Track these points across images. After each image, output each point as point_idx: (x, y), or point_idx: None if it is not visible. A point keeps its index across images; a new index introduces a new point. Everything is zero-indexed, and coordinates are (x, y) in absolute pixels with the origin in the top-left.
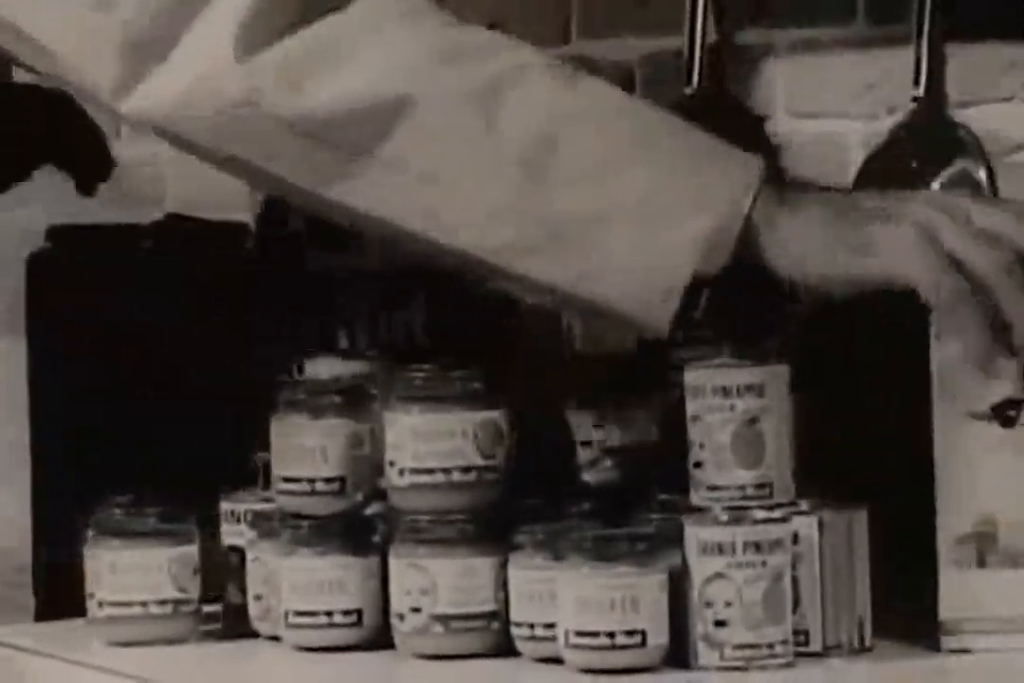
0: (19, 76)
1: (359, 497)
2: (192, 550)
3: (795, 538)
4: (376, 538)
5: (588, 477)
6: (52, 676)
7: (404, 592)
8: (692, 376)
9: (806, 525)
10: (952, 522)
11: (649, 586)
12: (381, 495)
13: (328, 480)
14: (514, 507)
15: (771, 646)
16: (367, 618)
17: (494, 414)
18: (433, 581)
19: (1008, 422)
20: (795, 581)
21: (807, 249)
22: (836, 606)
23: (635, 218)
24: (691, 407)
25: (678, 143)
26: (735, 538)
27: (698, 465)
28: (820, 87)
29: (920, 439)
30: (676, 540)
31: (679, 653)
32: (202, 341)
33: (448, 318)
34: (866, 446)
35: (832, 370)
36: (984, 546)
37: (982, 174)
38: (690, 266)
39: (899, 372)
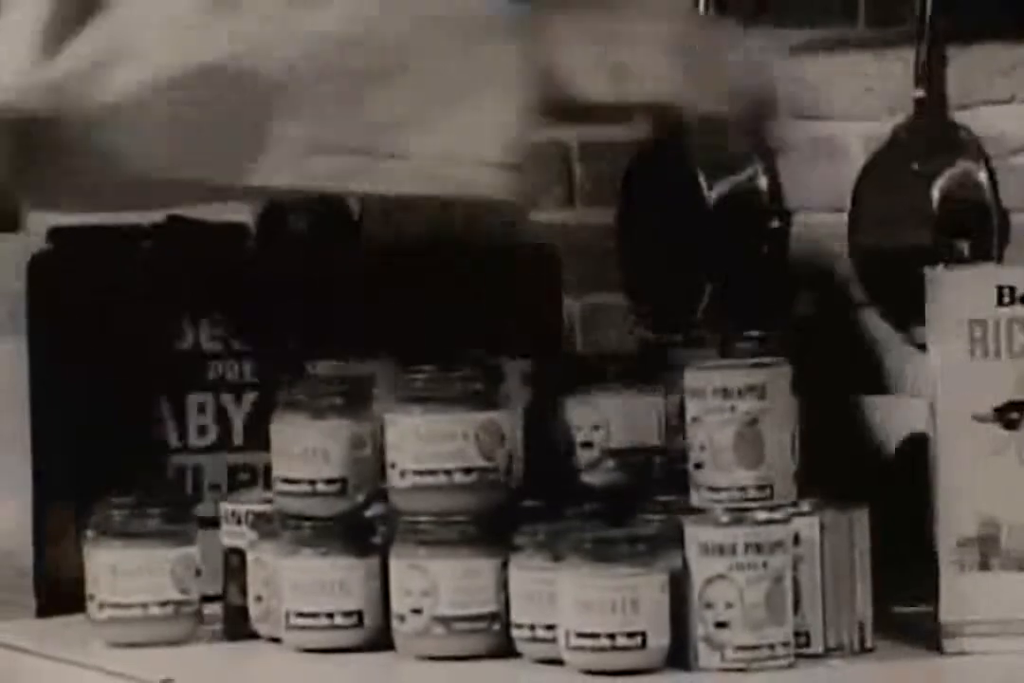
0: None
1: (360, 498)
2: (193, 551)
3: (796, 539)
4: (377, 539)
5: (589, 478)
6: (53, 677)
7: (405, 593)
8: (692, 377)
9: (807, 526)
10: (954, 525)
11: (650, 587)
12: (382, 496)
13: (329, 481)
14: (515, 508)
15: (772, 647)
16: (368, 619)
17: (495, 415)
18: (434, 582)
19: (1011, 425)
20: (796, 582)
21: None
22: (837, 607)
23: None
24: (691, 408)
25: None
26: (736, 539)
27: (699, 466)
28: (821, 89)
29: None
30: (677, 541)
31: (680, 654)
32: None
33: None
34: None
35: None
36: (987, 549)
37: (983, 176)
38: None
39: None
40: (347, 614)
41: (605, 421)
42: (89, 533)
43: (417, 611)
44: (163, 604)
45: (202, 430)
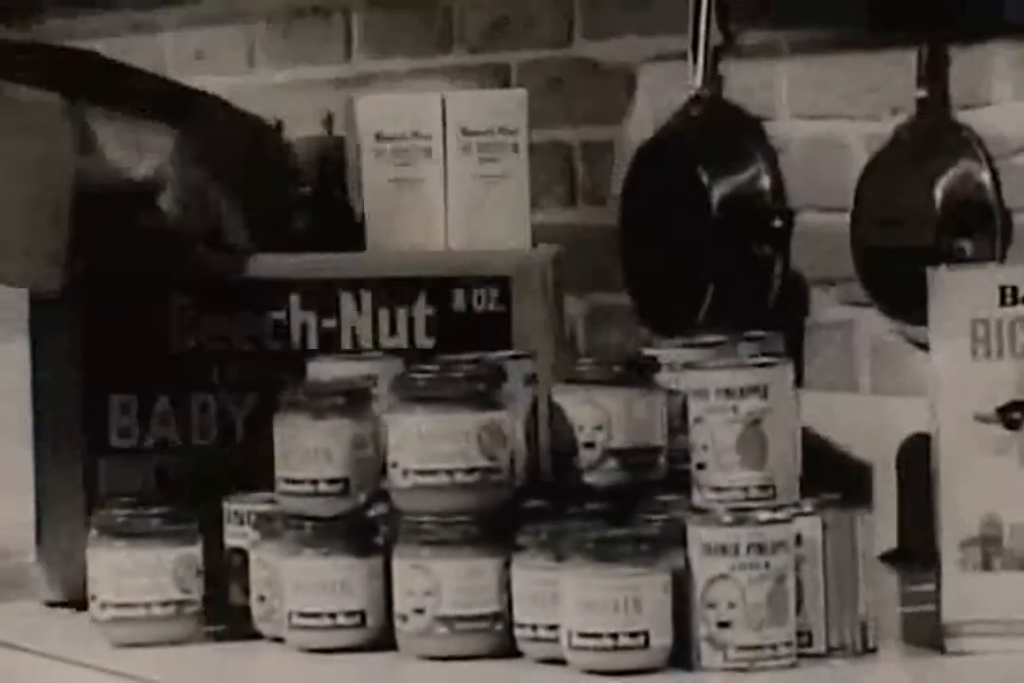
0: None
1: (362, 498)
2: (195, 551)
3: (798, 539)
4: (379, 539)
5: (591, 478)
6: (55, 677)
7: (407, 593)
8: (695, 378)
9: (809, 526)
10: (957, 525)
11: (652, 587)
12: (384, 496)
13: (331, 481)
14: (517, 508)
15: (774, 647)
16: (370, 619)
17: (498, 415)
18: (436, 582)
19: (1013, 424)
20: (798, 582)
21: None
22: (839, 607)
23: None
24: (694, 408)
25: None
26: (738, 539)
27: (701, 466)
28: (823, 89)
29: None
30: (679, 541)
31: (682, 654)
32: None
33: None
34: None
35: None
36: (989, 549)
37: (985, 176)
38: None
39: None
40: (349, 614)
41: (607, 421)
42: (91, 533)
43: (419, 611)
44: (165, 604)
45: (204, 430)
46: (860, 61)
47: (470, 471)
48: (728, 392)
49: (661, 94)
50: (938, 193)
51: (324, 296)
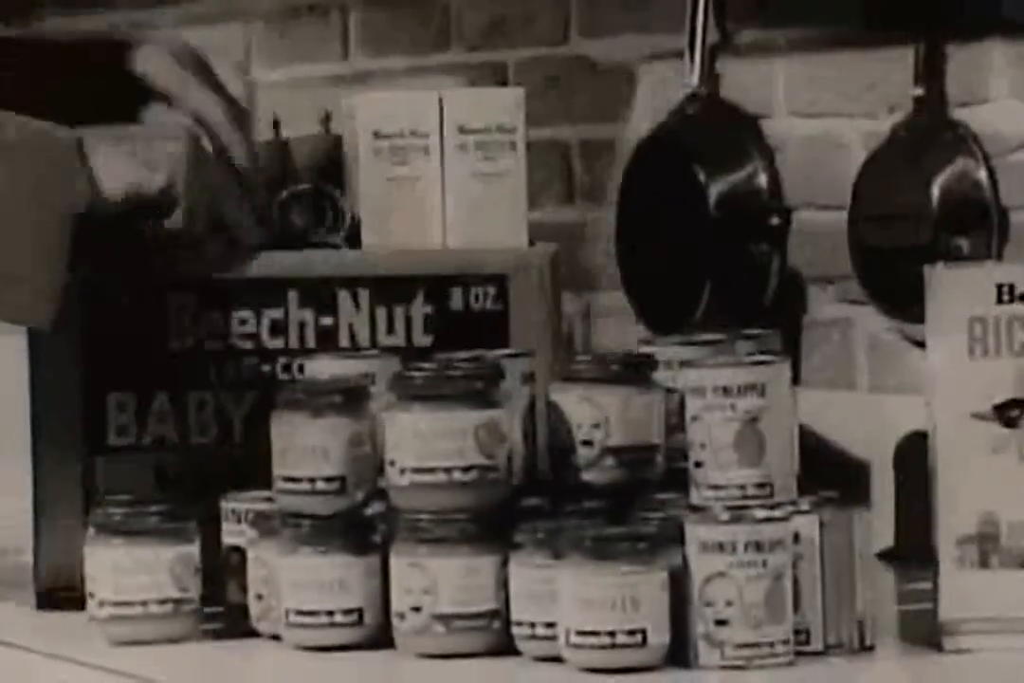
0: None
1: (360, 496)
2: (193, 549)
3: (796, 537)
4: (377, 537)
5: (589, 476)
6: (53, 675)
7: (405, 591)
8: (692, 375)
9: (807, 524)
10: (954, 522)
11: (650, 585)
12: (382, 494)
13: (329, 479)
14: (515, 506)
15: (772, 645)
16: (368, 617)
17: (495, 413)
18: (434, 580)
19: (1010, 423)
20: (796, 580)
21: None
22: (837, 605)
23: None
24: (692, 406)
25: None
26: (736, 537)
27: (699, 464)
28: (820, 87)
29: None
30: (677, 539)
31: (680, 652)
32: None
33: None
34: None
35: None
36: (986, 547)
37: (982, 174)
38: None
39: None
40: (347, 612)
41: (605, 419)
42: (89, 531)
43: (417, 609)
44: (163, 602)
45: (202, 428)
46: (857, 59)
47: (468, 469)
48: (726, 390)
49: (658, 92)
50: (935, 191)
51: (322, 294)
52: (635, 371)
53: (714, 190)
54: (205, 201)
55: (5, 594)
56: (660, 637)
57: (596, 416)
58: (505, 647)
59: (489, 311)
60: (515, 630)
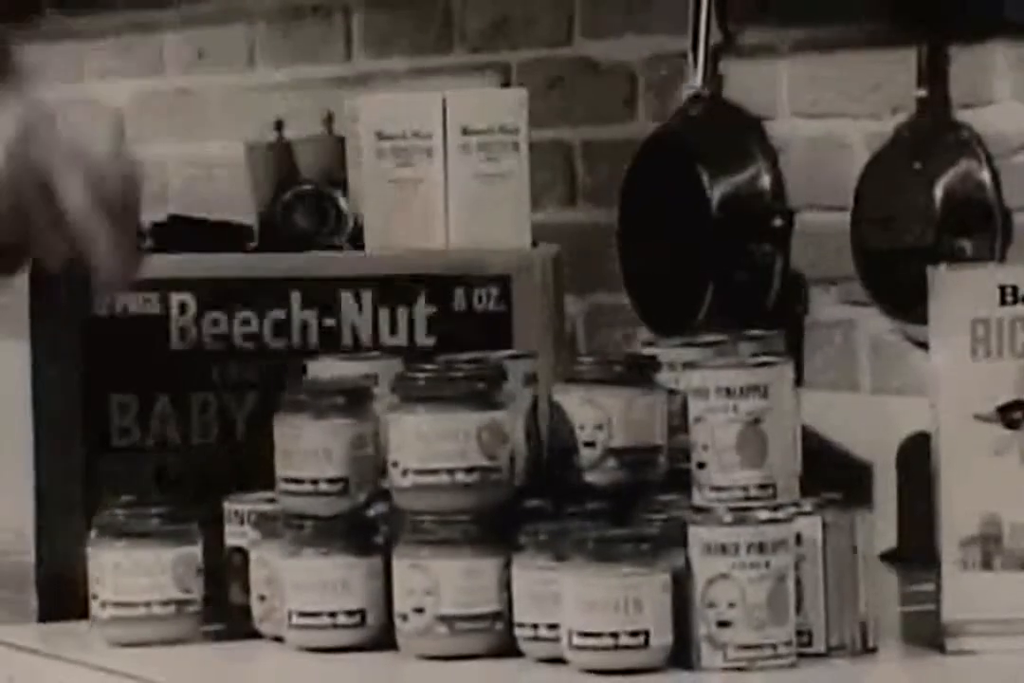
0: None
1: (362, 498)
2: (195, 551)
3: (798, 539)
4: (379, 539)
5: (591, 478)
6: (55, 676)
7: (407, 593)
8: (695, 377)
9: (809, 526)
10: (957, 524)
11: (652, 587)
12: (384, 495)
13: (331, 481)
14: (518, 508)
15: (774, 647)
16: (370, 619)
17: (498, 415)
18: (436, 582)
19: (1013, 424)
20: (798, 582)
21: None
22: (839, 607)
23: None
24: (694, 408)
25: None
26: (738, 539)
27: (701, 466)
28: (824, 87)
29: None
30: (679, 541)
31: (682, 654)
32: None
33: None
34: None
35: None
36: (989, 548)
37: (986, 175)
38: None
39: None
40: (349, 613)
41: (607, 420)
42: (92, 533)
43: (419, 610)
44: (165, 603)
45: (204, 429)
46: (860, 60)
47: (470, 470)
48: (728, 391)
49: (662, 94)
50: (938, 192)
51: (325, 295)
52: (638, 372)
53: (717, 191)
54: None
55: (7, 595)
56: (663, 638)
57: (599, 417)
58: (508, 648)
59: (492, 312)
60: (518, 632)
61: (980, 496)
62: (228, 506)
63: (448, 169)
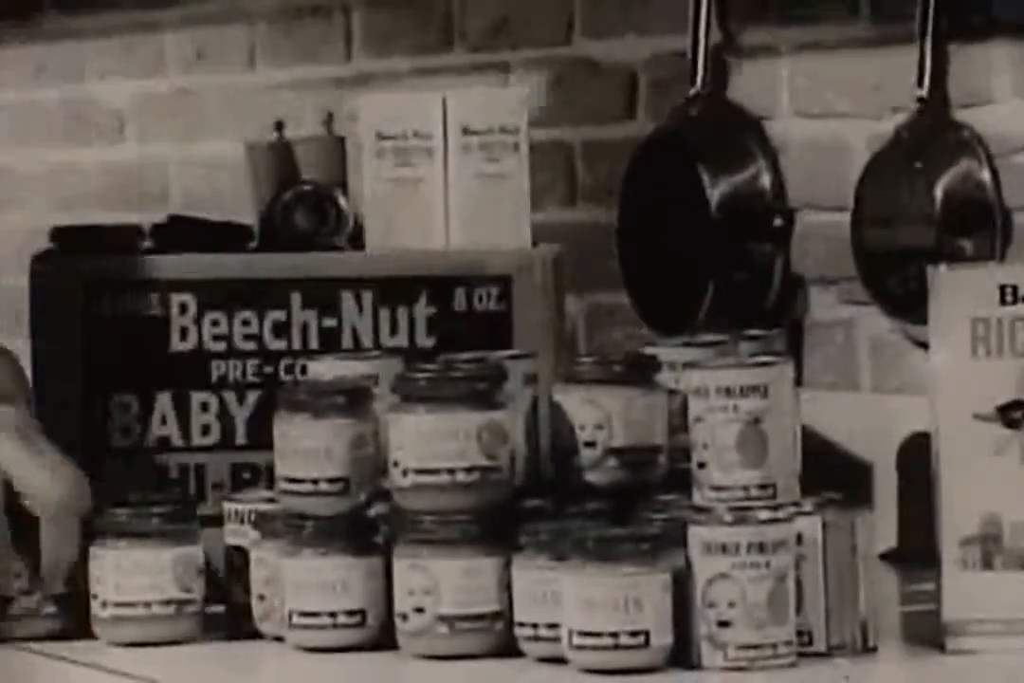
0: None
1: (362, 497)
2: (195, 550)
3: (799, 538)
4: (379, 538)
5: (592, 478)
6: (56, 676)
7: (407, 592)
8: (695, 377)
9: (810, 525)
10: (957, 523)
11: (653, 586)
12: (384, 495)
13: (331, 480)
14: (518, 507)
15: (775, 646)
16: (370, 618)
17: (498, 415)
18: (436, 581)
19: (1013, 424)
20: (799, 581)
21: None
22: (840, 606)
23: None
24: (694, 408)
25: None
26: (739, 538)
27: (702, 466)
28: (824, 88)
29: None
30: (680, 540)
31: (682, 653)
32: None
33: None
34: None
35: None
36: (989, 548)
37: (986, 175)
38: None
39: None
40: (349, 613)
41: (608, 420)
42: (93, 532)
43: (419, 610)
44: (165, 603)
45: (205, 429)
46: (860, 60)
47: (470, 470)
48: (728, 391)
49: (663, 94)
50: (938, 192)
51: (325, 295)
52: (638, 372)
53: (717, 191)
54: None
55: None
56: (663, 638)
57: (599, 417)
58: (508, 648)
59: (492, 312)
60: (518, 631)
61: (980, 496)
62: (228, 506)
63: (448, 169)
